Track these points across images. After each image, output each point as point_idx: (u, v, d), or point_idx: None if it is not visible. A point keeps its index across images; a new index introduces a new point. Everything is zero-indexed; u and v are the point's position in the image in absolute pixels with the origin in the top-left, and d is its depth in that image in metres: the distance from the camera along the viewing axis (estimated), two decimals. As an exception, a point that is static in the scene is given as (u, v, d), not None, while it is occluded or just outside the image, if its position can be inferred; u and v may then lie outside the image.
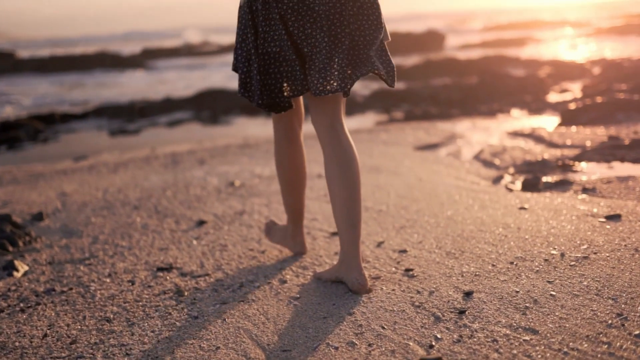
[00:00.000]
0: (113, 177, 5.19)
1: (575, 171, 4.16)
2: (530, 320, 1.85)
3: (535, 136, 6.10)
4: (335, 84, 2.05)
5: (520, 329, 1.80)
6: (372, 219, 3.18)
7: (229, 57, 27.05)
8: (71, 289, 2.47)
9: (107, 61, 22.02)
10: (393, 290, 2.18)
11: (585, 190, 3.60)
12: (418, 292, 2.15)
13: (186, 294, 2.31)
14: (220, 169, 5.22)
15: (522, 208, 3.21)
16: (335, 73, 2.04)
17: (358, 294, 2.13)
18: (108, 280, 2.55)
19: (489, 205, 3.33)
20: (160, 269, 2.61)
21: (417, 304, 2.04)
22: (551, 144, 5.63)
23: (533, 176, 4.01)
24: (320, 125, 2.20)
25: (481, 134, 6.61)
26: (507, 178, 4.38)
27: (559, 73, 13.03)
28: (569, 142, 5.58)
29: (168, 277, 2.51)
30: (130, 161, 6.10)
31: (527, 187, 3.88)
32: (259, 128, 9.37)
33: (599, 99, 7.13)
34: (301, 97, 2.40)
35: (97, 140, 9.27)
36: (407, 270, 2.36)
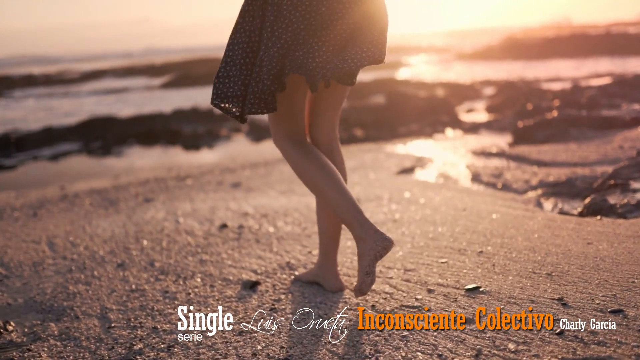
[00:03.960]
0: (43, 225, 4.02)
1: (635, 190, 3.66)
2: None
3: (509, 155, 5.65)
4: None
5: None
6: (489, 262, 2.41)
7: (95, 85, 24.94)
8: None
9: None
10: None
11: (681, 211, 3.09)
12: None
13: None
14: (182, 207, 4.21)
15: (658, 239, 2.59)
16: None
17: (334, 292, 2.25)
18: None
19: (611, 238, 2.68)
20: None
21: None
22: (540, 162, 5.18)
23: (600, 199, 3.44)
24: (319, 140, 2.17)
25: (446, 154, 6.07)
26: (549, 202, 3.82)
27: (455, 94, 13.03)
28: (560, 160, 5.17)
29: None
30: (46, 202, 4.89)
31: (598, 211, 3.31)
32: (168, 157, 8.26)
33: (549, 116, 6.88)
34: (307, 103, 2.18)
35: (-32, 179, 7.69)
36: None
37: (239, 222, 3.61)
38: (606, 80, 10.80)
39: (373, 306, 2.10)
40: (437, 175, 4.96)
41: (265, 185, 4.85)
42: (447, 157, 5.90)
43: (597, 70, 16.44)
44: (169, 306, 2.30)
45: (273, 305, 2.20)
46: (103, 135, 9.85)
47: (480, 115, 10.31)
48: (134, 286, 2.58)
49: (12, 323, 2.28)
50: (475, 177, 4.73)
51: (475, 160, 5.57)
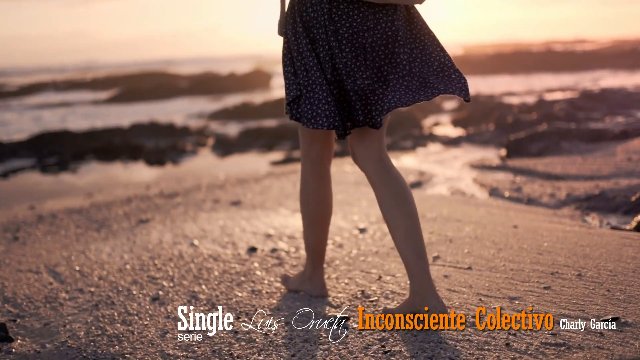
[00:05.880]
0: (32, 251, 3.53)
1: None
2: None
3: (513, 168, 5.47)
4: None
5: None
6: (600, 287, 2.12)
7: (37, 98, 23.66)
8: None
9: None
10: None
11: None
12: None
13: None
14: (188, 228, 3.80)
15: None
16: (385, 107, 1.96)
17: None
18: None
19: None
20: None
21: None
22: (551, 176, 5.00)
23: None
24: (369, 160, 2.07)
25: (444, 168, 5.84)
26: (591, 217, 3.61)
27: (418, 107, 12.88)
28: (572, 173, 5.00)
29: None
30: (22, 224, 4.37)
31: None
32: (133, 173, 7.75)
33: (539, 129, 6.76)
34: (333, 132, 2.19)
35: None
36: None
37: (266, 244, 3.23)
38: (572, 94, 10.89)
39: (508, 345, 1.77)
40: (450, 189, 4.71)
41: (271, 202, 4.48)
42: (446, 171, 5.67)
43: (548, 85, 16.72)
44: (249, 351, 1.91)
45: (382, 346, 1.84)
46: (58, 151, 9.23)
47: (447, 128, 10.21)
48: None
49: (53, 377, 1.85)
50: (494, 192, 4.50)
51: (480, 174, 5.35)
